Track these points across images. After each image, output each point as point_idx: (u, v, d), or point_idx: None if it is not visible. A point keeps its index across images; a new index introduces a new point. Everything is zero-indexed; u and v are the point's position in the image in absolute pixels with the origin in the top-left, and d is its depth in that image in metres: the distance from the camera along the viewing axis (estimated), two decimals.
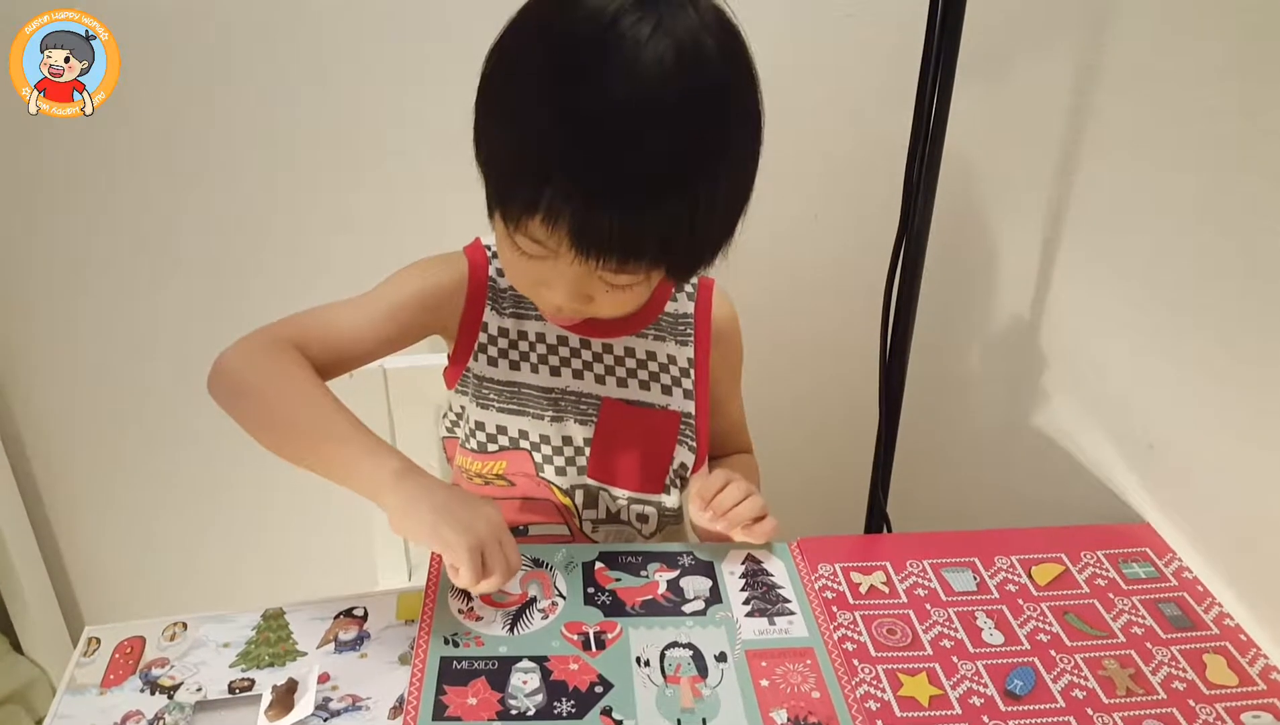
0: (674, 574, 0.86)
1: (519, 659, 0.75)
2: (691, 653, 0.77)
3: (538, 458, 0.93)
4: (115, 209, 1.30)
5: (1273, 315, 0.84)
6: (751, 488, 0.88)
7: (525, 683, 0.73)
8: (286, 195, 1.30)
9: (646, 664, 0.76)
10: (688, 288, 0.97)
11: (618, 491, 0.94)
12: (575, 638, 0.78)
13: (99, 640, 0.80)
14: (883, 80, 1.25)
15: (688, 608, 0.82)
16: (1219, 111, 0.90)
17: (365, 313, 0.89)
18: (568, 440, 0.93)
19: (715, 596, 0.83)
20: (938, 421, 1.37)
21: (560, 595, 0.82)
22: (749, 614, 0.82)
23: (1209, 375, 0.92)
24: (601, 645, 0.77)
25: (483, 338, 0.92)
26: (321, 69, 1.22)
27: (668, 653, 0.77)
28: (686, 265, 0.78)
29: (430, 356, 1.02)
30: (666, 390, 0.95)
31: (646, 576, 0.85)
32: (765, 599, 0.84)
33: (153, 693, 0.74)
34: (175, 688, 0.75)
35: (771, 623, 0.81)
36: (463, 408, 0.95)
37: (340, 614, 0.81)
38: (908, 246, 1.02)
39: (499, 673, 0.74)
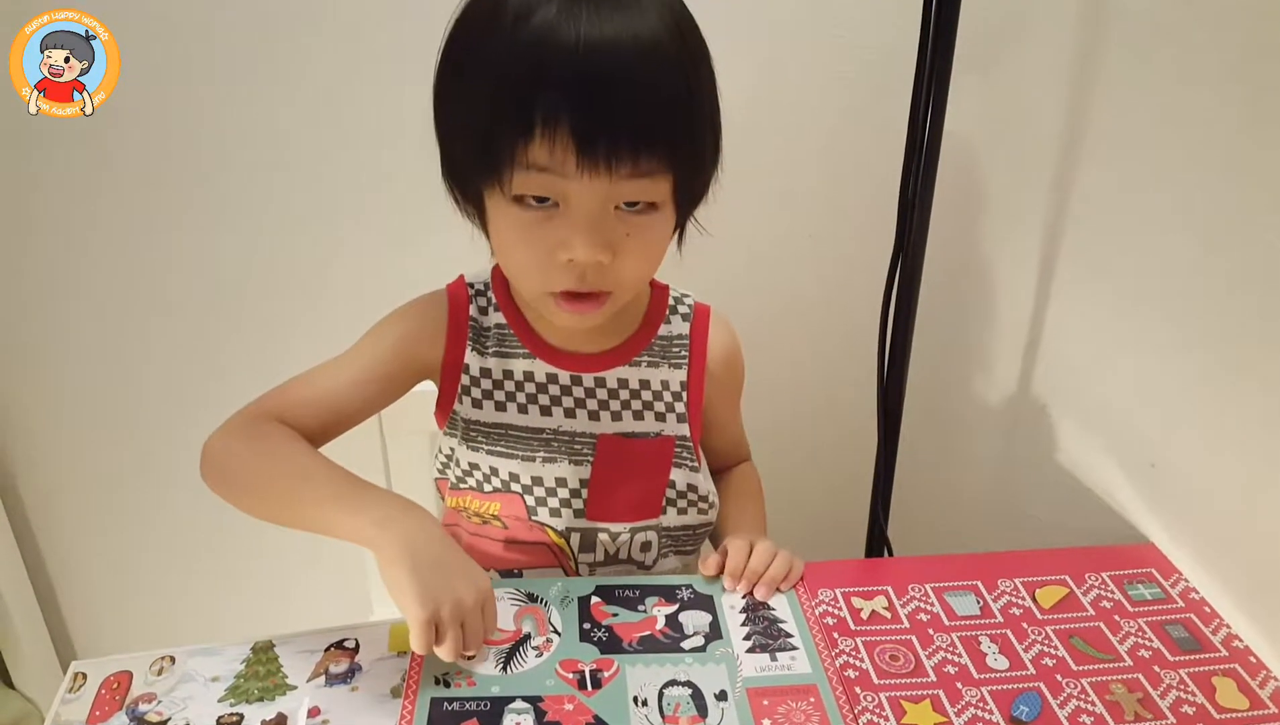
0: (673, 608, 0.84)
1: (512, 699, 0.73)
2: (691, 691, 0.75)
3: (530, 501, 0.91)
4: (115, 209, 1.28)
5: (1278, 329, 0.83)
6: (771, 545, 0.89)
7: (518, 724, 0.71)
8: (288, 195, 1.28)
9: (644, 704, 0.74)
10: (682, 309, 0.96)
11: (617, 527, 0.92)
12: (571, 676, 0.76)
13: (85, 675, 0.78)
14: (875, 97, 1.25)
15: (687, 644, 0.80)
16: (1219, 122, 0.89)
17: (349, 373, 0.89)
18: (562, 482, 0.90)
19: (715, 632, 0.81)
20: (938, 442, 1.36)
21: (555, 631, 0.80)
22: (750, 650, 0.80)
23: (1212, 391, 0.91)
24: (598, 684, 0.75)
25: (465, 380, 0.90)
26: (324, 69, 1.21)
27: (666, 691, 0.75)
28: (690, 168, 0.77)
29: (423, 385, 1.01)
30: (660, 417, 0.93)
31: (644, 611, 0.83)
32: (767, 634, 0.82)
33: None
34: (163, 724, 0.73)
35: (773, 659, 0.79)
36: (452, 449, 0.93)
37: (331, 646, 0.80)
38: (904, 264, 1.01)
39: (491, 714, 0.72)
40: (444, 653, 0.71)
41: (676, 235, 0.84)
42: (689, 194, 0.80)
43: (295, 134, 1.25)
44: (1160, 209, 0.96)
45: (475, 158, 0.75)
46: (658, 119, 0.71)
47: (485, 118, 0.72)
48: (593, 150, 0.70)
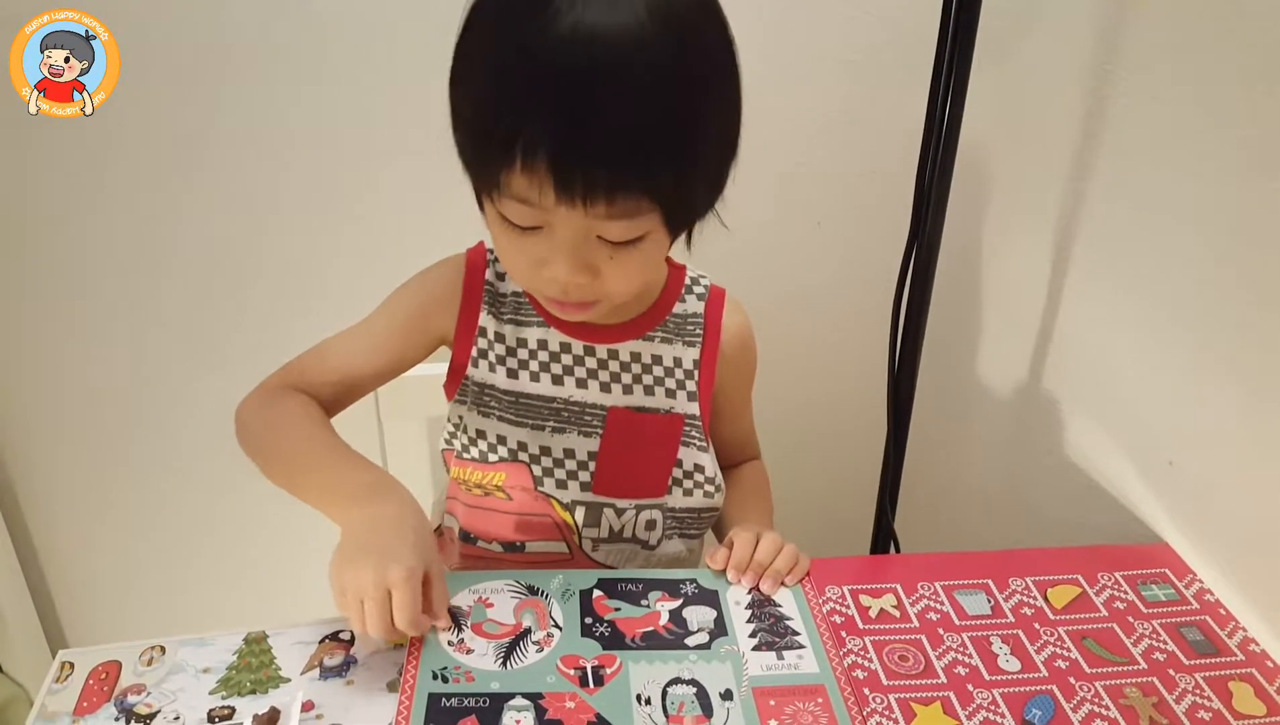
0: (676, 603, 0.82)
1: (512, 696, 0.71)
2: (695, 690, 0.73)
3: (537, 471, 0.90)
4: (115, 210, 1.27)
5: None
6: (778, 537, 0.88)
7: (518, 722, 0.69)
8: (289, 195, 1.28)
9: (647, 702, 0.72)
10: (698, 289, 0.95)
11: (623, 503, 0.91)
12: (572, 673, 0.74)
13: (72, 665, 0.76)
14: (886, 83, 1.23)
15: (691, 640, 0.78)
16: (1236, 117, 0.87)
17: (367, 339, 0.91)
18: (570, 453, 0.90)
19: (720, 629, 0.80)
20: (947, 436, 1.35)
21: (556, 626, 0.78)
22: (756, 648, 0.78)
23: (1231, 389, 0.89)
24: (600, 681, 0.73)
25: (481, 343, 0.90)
26: (325, 68, 1.21)
27: (670, 690, 0.73)
28: (679, 205, 0.75)
29: (420, 368, 0.99)
30: (671, 393, 0.92)
31: (647, 606, 0.81)
32: (773, 631, 0.80)
33: (128, 721, 0.71)
34: (152, 716, 0.71)
35: (780, 657, 0.77)
36: (461, 417, 0.92)
37: (326, 638, 0.78)
38: (918, 256, 0.99)
39: (490, 711, 0.70)
40: (354, 625, 0.73)
41: (686, 236, 0.82)
42: (679, 222, 0.77)
43: (295, 133, 1.24)
44: (1180, 203, 0.95)
45: (469, 164, 0.75)
46: (638, 158, 0.69)
47: (475, 130, 0.72)
48: (569, 186, 0.68)
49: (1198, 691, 0.77)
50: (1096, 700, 0.76)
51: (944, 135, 0.93)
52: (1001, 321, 1.25)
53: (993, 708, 0.75)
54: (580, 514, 0.91)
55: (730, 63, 0.74)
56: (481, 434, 0.90)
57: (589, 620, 0.79)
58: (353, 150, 1.25)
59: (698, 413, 0.93)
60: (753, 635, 0.79)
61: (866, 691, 0.75)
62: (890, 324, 1.03)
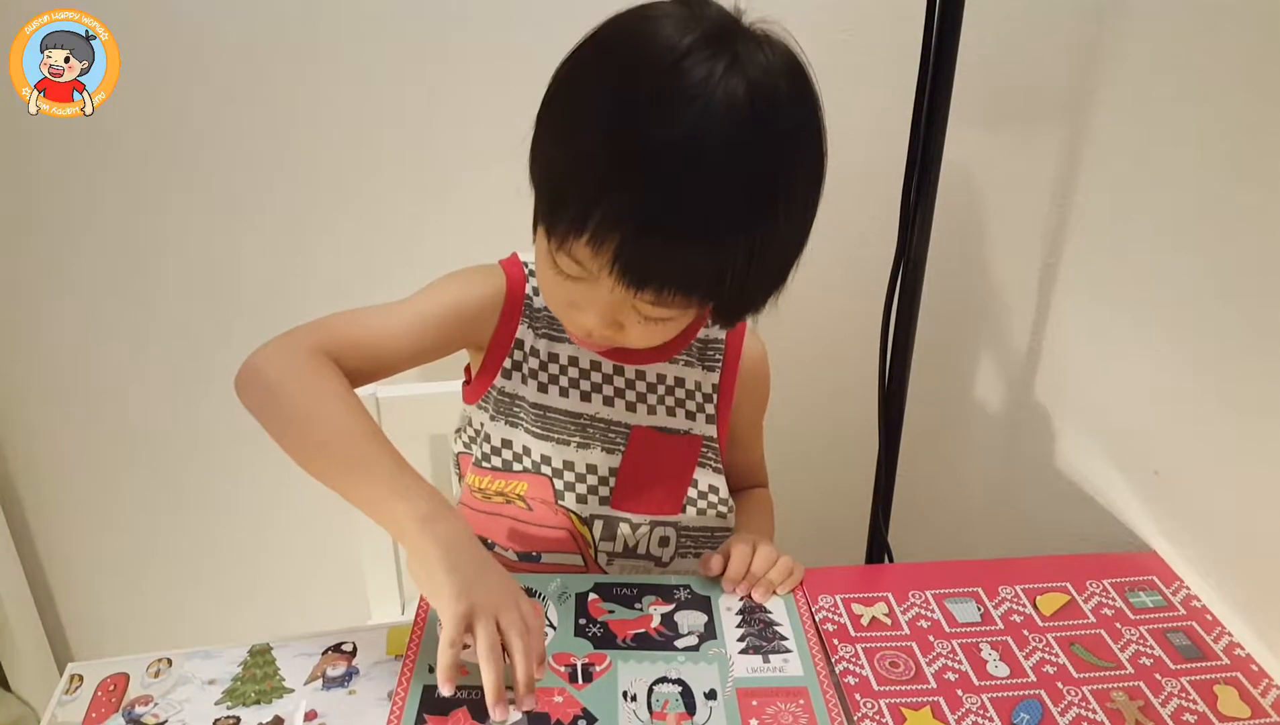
0: (669, 608, 0.84)
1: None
2: (680, 689, 0.75)
3: (559, 484, 0.91)
4: (114, 209, 1.28)
5: None
6: (773, 549, 0.90)
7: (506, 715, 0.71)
8: (287, 194, 1.28)
9: (633, 699, 0.74)
10: None
11: (638, 518, 0.93)
12: (562, 669, 0.76)
13: (81, 677, 0.78)
14: (878, 102, 1.24)
15: (680, 643, 0.80)
16: (1220, 130, 0.89)
17: (403, 320, 0.87)
18: (592, 468, 0.91)
19: (710, 632, 0.81)
20: (939, 449, 1.36)
21: (551, 625, 0.81)
22: (743, 651, 0.80)
23: (1216, 399, 0.91)
24: (589, 678, 0.75)
25: (516, 355, 0.91)
26: (325, 68, 1.21)
27: (656, 688, 0.75)
28: (733, 308, 0.78)
29: (423, 386, 1.01)
30: (691, 415, 0.94)
31: (640, 609, 0.83)
32: (761, 636, 0.82)
33: None
34: None
35: (766, 660, 0.79)
36: (482, 425, 0.93)
37: (329, 649, 0.80)
38: (905, 272, 1.01)
39: (481, 703, 0.71)
40: (482, 648, 0.69)
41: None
42: (728, 318, 0.80)
43: (295, 133, 1.25)
44: (1164, 213, 0.96)
45: (538, 201, 0.75)
46: (704, 274, 0.71)
47: (557, 182, 0.72)
48: (626, 273, 0.70)
49: (1183, 695, 0.79)
50: (1084, 704, 0.77)
51: (927, 152, 0.95)
52: (990, 335, 1.27)
53: (981, 712, 0.76)
54: (597, 528, 0.92)
55: (819, 176, 0.74)
56: (507, 443, 0.92)
57: (583, 621, 0.81)
58: (354, 150, 1.25)
59: (715, 435, 0.95)
60: (741, 639, 0.81)
61: (858, 697, 0.77)
62: (880, 338, 1.05)
